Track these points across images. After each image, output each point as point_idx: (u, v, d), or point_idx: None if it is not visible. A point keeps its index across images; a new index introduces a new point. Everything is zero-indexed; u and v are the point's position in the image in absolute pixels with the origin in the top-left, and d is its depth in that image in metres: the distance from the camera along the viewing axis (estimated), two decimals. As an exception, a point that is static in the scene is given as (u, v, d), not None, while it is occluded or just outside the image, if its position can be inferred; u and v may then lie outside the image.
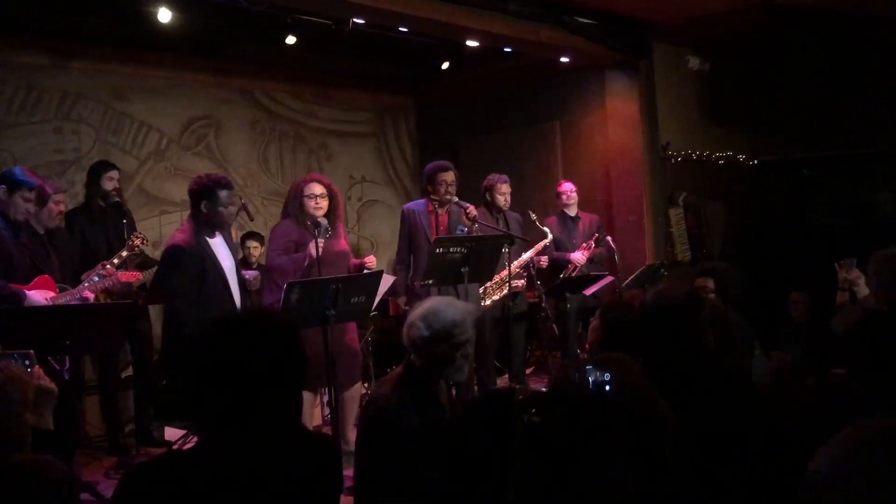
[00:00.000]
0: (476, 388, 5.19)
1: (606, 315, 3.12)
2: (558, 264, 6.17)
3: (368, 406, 2.91)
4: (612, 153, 7.09)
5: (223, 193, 4.15)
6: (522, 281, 5.84)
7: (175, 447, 4.94)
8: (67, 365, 3.69)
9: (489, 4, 5.66)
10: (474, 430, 1.06)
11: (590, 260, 6.16)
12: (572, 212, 6.39)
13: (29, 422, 1.91)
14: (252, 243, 6.33)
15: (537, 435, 0.98)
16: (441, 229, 5.26)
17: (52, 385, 2.18)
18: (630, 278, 5.73)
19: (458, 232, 5.15)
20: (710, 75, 7.13)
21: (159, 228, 6.54)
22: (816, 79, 6.86)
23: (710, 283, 4.29)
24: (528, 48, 6.55)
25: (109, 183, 5.25)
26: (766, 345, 5.75)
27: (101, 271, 4.51)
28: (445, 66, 7.43)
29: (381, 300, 5.31)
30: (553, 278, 6.17)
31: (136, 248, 4.83)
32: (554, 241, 6.02)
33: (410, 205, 5.50)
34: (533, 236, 5.95)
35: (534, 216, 6.00)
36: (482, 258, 4.65)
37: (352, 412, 4.72)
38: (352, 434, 4.44)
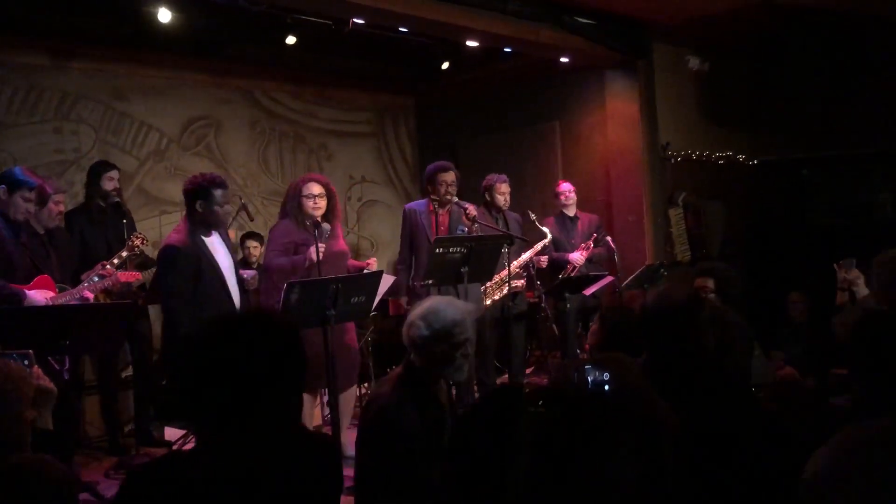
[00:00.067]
0: (476, 388, 5.20)
1: (606, 318, 3.15)
2: (557, 265, 6.17)
3: (368, 406, 2.90)
4: (611, 153, 7.09)
5: (218, 192, 4.15)
6: (522, 281, 5.84)
7: (175, 447, 4.95)
8: (67, 365, 3.68)
9: (489, 4, 5.66)
10: (481, 424, 1.06)
11: (589, 260, 6.16)
12: (571, 212, 6.39)
13: (28, 419, 1.90)
14: (252, 243, 6.33)
15: (542, 426, 0.98)
16: (441, 229, 5.27)
17: (52, 385, 2.18)
18: (630, 278, 5.73)
19: (459, 232, 5.15)
20: (709, 75, 7.13)
21: (159, 228, 6.54)
22: (816, 79, 6.86)
23: (710, 284, 4.29)
24: (528, 48, 6.55)
25: (110, 183, 5.25)
26: (765, 345, 5.76)
27: (100, 271, 4.51)
28: (445, 66, 7.44)
29: (381, 300, 5.31)
30: (553, 278, 6.17)
31: (136, 249, 4.83)
32: (553, 241, 6.02)
33: (412, 205, 5.50)
34: (532, 236, 5.95)
35: (533, 216, 6.00)
36: (482, 258, 4.65)
37: (346, 415, 4.71)
38: (347, 437, 4.43)
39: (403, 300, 5.58)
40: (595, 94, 7.21)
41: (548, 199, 6.80)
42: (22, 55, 6.15)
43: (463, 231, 5.16)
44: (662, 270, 5.97)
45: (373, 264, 4.80)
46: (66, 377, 3.69)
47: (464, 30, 5.90)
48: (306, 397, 4.60)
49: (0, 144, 6.01)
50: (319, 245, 4.39)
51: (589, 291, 5.69)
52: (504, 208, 5.81)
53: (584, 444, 0.98)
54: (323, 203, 4.66)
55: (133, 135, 6.73)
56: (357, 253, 7.78)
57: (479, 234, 5.04)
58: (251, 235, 6.42)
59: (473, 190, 5.93)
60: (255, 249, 6.26)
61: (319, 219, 4.57)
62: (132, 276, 4.82)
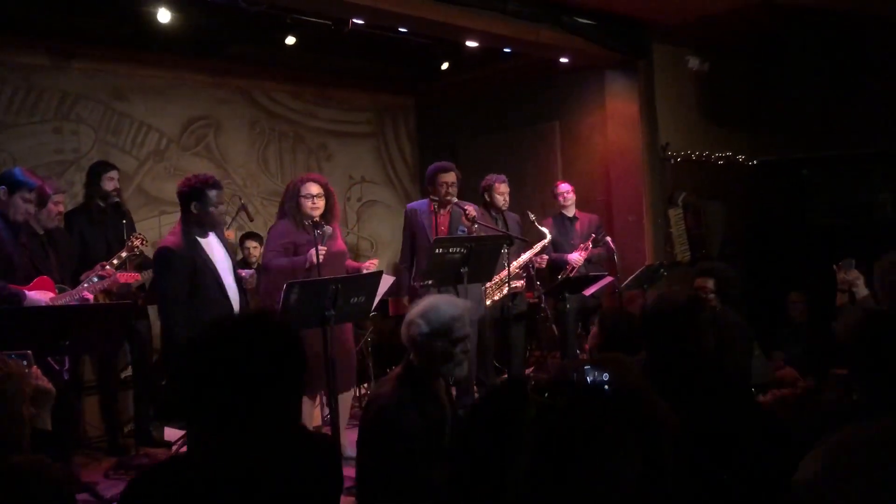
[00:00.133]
0: (476, 388, 5.20)
1: (605, 321, 3.17)
2: (557, 265, 6.17)
3: (369, 406, 2.92)
4: (611, 153, 7.09)
5: (212, 193, 4.14)
6: (522, 281, 5.84)
7: (175, 447, 4.95)
8: (67, 365, 3.68)
9: (488, 5, 5.66)
10: (487, 418, 1.06)
11: (588, 260, 6.15)
12: (570, 212, 6.39)
13: (26, 417, 1.90)
14: (251, 243, 6.33)
15: (547, 418, 0.99)
16: (442, 230, 5.27)
17: (50, 385, 2.17)
18: (629, 279, 5.73)
19: (459, 233, 5.15)
20: (709, 75, 7.13)
21: (159, 229, 6.53)
22: (816, 79, 6.85)
23: (710, 284, 4.30)
24: (528, 48, 6.55)
25: (110, 183, 5.25)
26: (765, 345, 5.76)
27: (100, 272, 4.51)
28: (445, 66, 7.44)
29: (381, 300, 5.31)
30: (552, 279, 6.17)
31: (136, 249, 4.82)
32: (551, 241, 6.01)
33: (413, 205, 5.51)
34: (532, 237, 5.95)
35: (532, 216, 5.99)
36: (481, 259, 4.65)
37: (345, 415, 4.71)
38: (344, 438, 4.43)
39: (406, 300, 5.58)
40: (595, 94, 7.21)
41: (547, 199, 6.80)
42: (22, 55, 6.14)
43: (463, 231, 5.16)
44: (662, 271, 5.97)
45: (373, 265, 4.79)
46: (66, 377, 3.68)
47: (463, 30, 5.90)
48: (305, 399, 4.60)
49: (0, 144, 6.01)
50: (320, 248, 4.38)
51: (589, 292, 5.69)
52: (503, 208, 5.81)
53: (586, 441, 0.98)
54: (321, 203, 4.66)
55: (133, 135, 6.73)
56: (357, 253, 7.78)
57: (479, 234, 5.04)
58: (251, 236, 6.42)
59: (473, 190, 5.93)
60: (255, 250, 6.25)
61: (318, 219, 4.57)
62: (131, 278, 4.82)
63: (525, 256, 5.80)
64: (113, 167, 5.37)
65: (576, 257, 6.09)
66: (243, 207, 6.47)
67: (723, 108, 7.28)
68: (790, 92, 7.05)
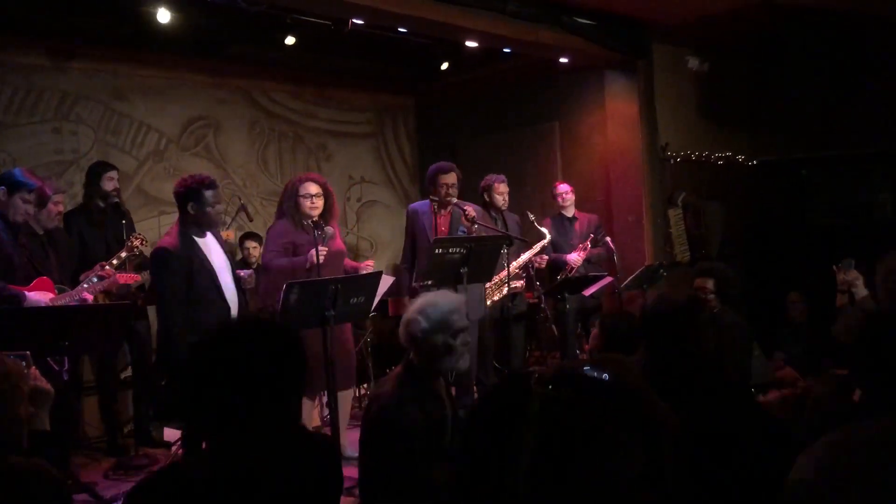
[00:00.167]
0: (475, 388, 5.20)
1: (605, 323, 3.19)
2: (556, 265, 6.17)
3: (370, 405, 2.94)
4: (611, 154, 7.09)
5: (208, 193, 4.14)
6: (521, 282, 5.84)
7: (174, 448, 4.94)
8: (66, 365, 3.68)
9: (488, 5, 5.66)
10: (491, 412, 1.07)
11: (588, 261, 6.15)
12: (569, 213, 6.39)
13: (23, 416, 1.90)
14: (251, 244, 6.32)
15: (550, 409, 0.99)
16: (442, 230, 5.27)
17: (49, 386, 2.17)
18: (629, 279, 5.73)
19: (459, 233, 5.15)
20: (709, 75, 7.13)
21: (158, 229, 6.53)
22: (816, 79, 6.85)
23: (710, 284, 4.30)
24: (527, 49, 6.55)
25: (110, 183, 5.25)
26: (765, 345, 5.76)
27: (99, 272, 4.51)
28: (445, 66, 7.44)
29: (381, 301, 5.31)
30: (552, 279, 6.17)
31: (135, 249, 4.82)
32: (551, 242, 6.01)
33: (415, 205, 5.51)
34: (531, 237, 5.95)
35: (532, 217, 5.99)
36: (481, 259, 4.64)
37: (344, 416, 4.70)
38: (344, 438, 4.43)
39: (406, 300, 5.58)
40: (594, 94, 7.21)
41: (547, 199, 6.80)
42: (21, 55, 6.14)
43: (463, 232, 5.16)
44: (662, 271, 5.97)
45: (369, 266, 4.80)
46: (66, 378, 3.69)
47: (463, 30, 5.90)
48: (305, 399, 4.60)
49: (0, 145, 6.02)
50: (322, 248, 4.38)
51: (588, 292, 5.69)
52: (503, 209, 5.81)
53: (589, 434, 0.98)
54: (320, 203, 4.65)
55: (132, 135, 6.73)
56: (356, 253, 7.78)
57: (479, 234, 5.04)
58: (250, 236, 6.41)
59: (473, 190, 5.93)
60: (255, 250, 6.25)
61: (317, 218, 4.56)
62: (131, 278, 4.82)
63: (525, 257, 5.79)
64: (112, 167, 5.36)
65: (574, 257, 6.08)
66: (243, 208, 6.47)
67: (723, 108, 7.28)
68: (790, 92, 7.06)
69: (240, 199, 6.83)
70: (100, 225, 5.18)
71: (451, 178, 5.26)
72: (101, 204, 5.21)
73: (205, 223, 4.19)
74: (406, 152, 8.68)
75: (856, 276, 3.93)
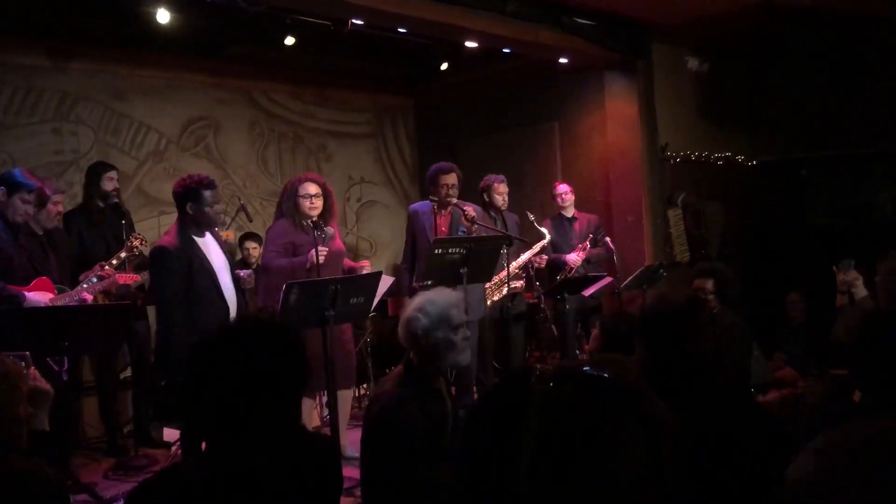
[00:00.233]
0: (475, 388, 5.20)
1: (606, 324, 3.19)
2: (556, 266, 6.17)
3: (371, 404, 2.95)
4: (610, 154, 7.09)
5: (207, 193, 4.14)
6: (521, 282, 5.84)
7: (174, 447, 4.94)
8: (66, 366, 3.68)
9: (488, 5, 5.66)
10: (493, 409, 1.07)
11: (587, 261, 6.15)
12: (569, 213, 6.39)
13: (22, 417, 1.90)
14: (251, 244, 6.32)
15: (551, 405, 0.99)
16: (443, 230, 5.27)
17: (48, 386, 2.17)
18: (629, 279, 5.73)
19: (460, 233, 5.15)
20: (709, 75, 7.13)
21: (158, 229, 6.52)
22: (816, 79, 6.86)
23: (709, 284, 4.30)
24: (527, 49, 6.55)
25: (110, 183, 5.25)
26: (765, 345, 5.76)
27: (99, 272, 4.51)
28: (444, 66, 7.44)
29: (380, 301, 5.31)
30: (551, 279, 6.17)
31: (135, 249, 4.82)
32: (550, 242, 6.01)
33: (416, 206, 5.52)
34: (531, 237, 5.95)
35: (532, 217, 5.99)
36: (481, 259, 4.65)
37: (344, 416, 4.70)
38: (344, 438, 4.43)
39: (407, 300, 5.57)
40: (594, 94, 7.21)
41: (547, 199, 6.80)
42: (21, 55, 6.14)
43: (463, 232, 5.16)
44: (661, 271, 5.97)
45: (366, 267, 4.80)
46: (65, 378, 3.69)
47: (463, 30, 5.90)
48: (305, 399, 4.60)
49: (-1, 145, 6.02)
50: (322, 249, 4.38)
51: (588, 292, 5.69)
52: (502, 209, 5.81)
53: (590, 431, 0.98)
54: (319, 203, 4.65)
55: (132, 135, 6.73)
56: (356, 254, 7.78)
57: (479, 234, 5.04)
58: (250, 236, 6.41)
59: (473, 190, 5.93)
60: (255, 250, 6.25)
61: (316, 218, 4.56)
62: (131, 279, 4.82)
63: (524, 257, 5.79)
64: (112, 167, 5.36)
65: (573, 258, 6.08)
66: (243, 208, 6.47)
67: (722, 109, 7.28)
68: (790, 92, 7.06)
69: (240, 200, 6.83)
70: (99, 225, 5.18)
71: (452, 178, 5.26)
72: (101, 204, 5.21)
73: (203, 223, 4.19)
74: (406, 152, 8.68)
75: (855, 277, 3.93)
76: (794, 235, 7.38)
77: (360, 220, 8.23)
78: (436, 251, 4.49)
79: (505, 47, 6.62)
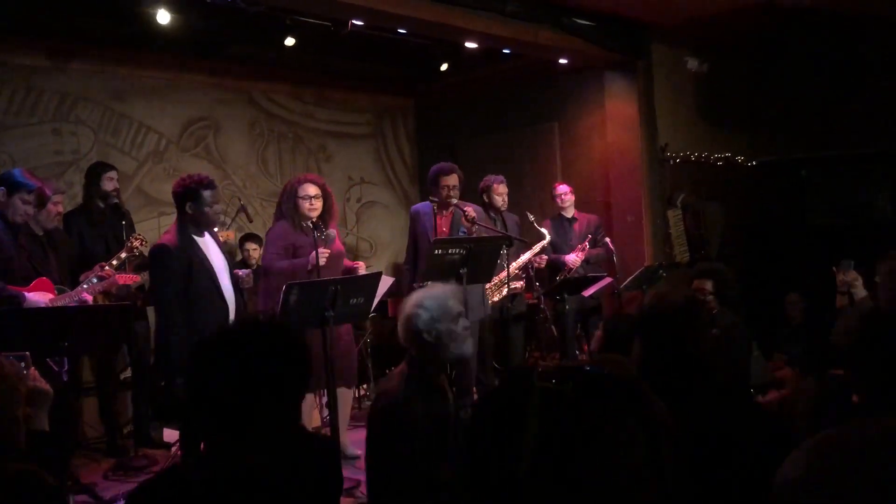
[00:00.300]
0: (475, 388, 5.20)
1: (607, 325, 3.20)
2: (556, 266, 6.17)
3: (376, 401, 2.96)
4: (610, 154, 7.09)
5: (207, 193, 4.14)
6: (521, 282, 5.84)
7: (174, 448, 4.94)
8: (66, 366, 3.68)
9: (487, 6, 5.66)
10: (497, 405, 1.07)
11: (587, 261, 6.14)
12: (569, 213, 6.39)
13: (21, 417, 1.90)
14: (251, 245, 6.32)
15: (552, 402, 0.99)
16: (443, 230, 5.27)
17: (48, 386, 2.17)
18: (628, 279, 5.73)
19: (460, 234, 5.15)
20: (709, 76, 7.13)
21: (158, 230, 6.52)
22: (816, 79, 6.86)
23: (709, 285, 4.30)
24: (527, 49, 6.56)
25: (110, 183, 5.25)
26: (765, 346, 5.76)
27: (99, 272, 4.51)
28: (444, 67, 7.44)
29: (380, 301, 5.31)
30: (551, 280, 6.17)
31: (135, 250, 4.82)
32: (550, 242, 6.01)
33: (417, 206, 5.52)
34: (531, 237, 5.95)
35: (531, 217, 5.99)
36: (481, 259, 4.65)
37: (344, 416, 4.70)
38: (344, 438, 4.43)
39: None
40: (594, 94, 7.21)
41: (547, 200, 6.80)
42: (21, 56, 6.14)
43: (463, 233, 5.16)
44: (661, 271, 5.97)
45: (361, 268, 4.80)
46: (65, 378, 3.68)
47: (462, 31, 5.90)
48: (305, 399, 4.60)
49: (-1, 146, 6.02)
50: (323, 250, 4.38)
51: (588, 293, 5.69)
52: (502, 209, 5.81)
53: (589, 434, 0.98)
54: (319, 204, 4.65)
55: (132, 136, 6.73)
56: (356, 254, 7.79)
57: (479, 235, 5.04)
58: (250, 237, 6.41)
59: (472, 191, 5.93)
60: (255, 251, 6.25)
61: (316, 219, 4.56)
62: (131, 279, 4.82)
63: (524, 257, 5.79)
64: (112, 168, 5.37)
65: (573, 258, 6.08)
66: (243, 208, 6.47)
67: (722, 109, 7.28)
68: (790, 92, 7.06)
69: (240, 200, 6.83)
70: (99, 225, 5.18)
71: (453, 179, 5.26)
72: (101, 204, 5.22)
73: (203, 223, 4.19)
74: (406, 153, 8.68)
75: (855, 277, 3.93)
76: (793, 236, 7.37)
77: (360, 221, 8.23)
78: (436, 252, 4.49)
79: (505, 48, 6.62)
